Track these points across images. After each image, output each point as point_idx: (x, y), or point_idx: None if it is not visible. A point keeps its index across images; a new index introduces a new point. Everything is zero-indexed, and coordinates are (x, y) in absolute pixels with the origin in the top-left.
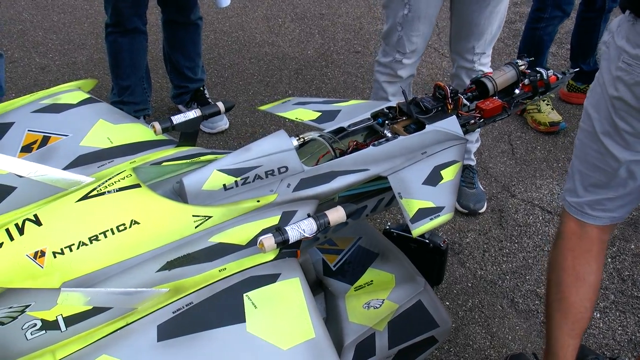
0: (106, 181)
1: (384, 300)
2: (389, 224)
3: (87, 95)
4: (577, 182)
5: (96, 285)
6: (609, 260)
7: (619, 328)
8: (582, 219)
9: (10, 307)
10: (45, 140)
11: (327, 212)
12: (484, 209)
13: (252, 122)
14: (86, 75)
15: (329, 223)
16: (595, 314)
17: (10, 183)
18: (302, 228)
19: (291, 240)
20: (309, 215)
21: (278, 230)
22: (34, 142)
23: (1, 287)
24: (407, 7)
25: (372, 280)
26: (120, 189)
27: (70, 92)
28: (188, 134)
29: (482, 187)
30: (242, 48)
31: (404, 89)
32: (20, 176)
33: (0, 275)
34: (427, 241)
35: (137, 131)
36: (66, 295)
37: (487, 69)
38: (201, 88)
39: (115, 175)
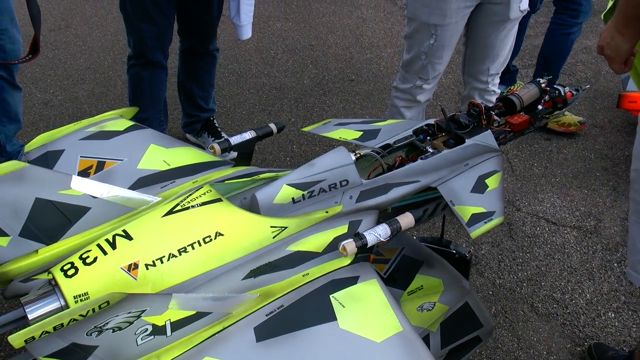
0: (188, 197)
1: (435, 303)
2: (414, 237)
3: (132, 122)
4: None
5: None
6: (615, 265)
7: (633, 326)
8: None
9: (129, 312)
10: (100, 165)
11: (398, 218)
12: None
13: (261, 150)
14: (90, 109)
15: (400, 228)
16: (610, 314)
17: (84, 204)
18: (378, 233)
19: (369, 244)
20: (380, 222)
21: (357, 235)
22: (90, 167)
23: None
24: (433, 37)
25: (422, 285)
26: (204, 203)
27: (115, 120)
28: (244, 154)
29: None
30: (239, 79)
31: (443, 108)
32: (94, 197)
33: (98, 287)
34: (453, 252)
35: (191, 154)
36: (176, 300)
37: (497, 89)
38: (211, 118)
39: (195, 191)
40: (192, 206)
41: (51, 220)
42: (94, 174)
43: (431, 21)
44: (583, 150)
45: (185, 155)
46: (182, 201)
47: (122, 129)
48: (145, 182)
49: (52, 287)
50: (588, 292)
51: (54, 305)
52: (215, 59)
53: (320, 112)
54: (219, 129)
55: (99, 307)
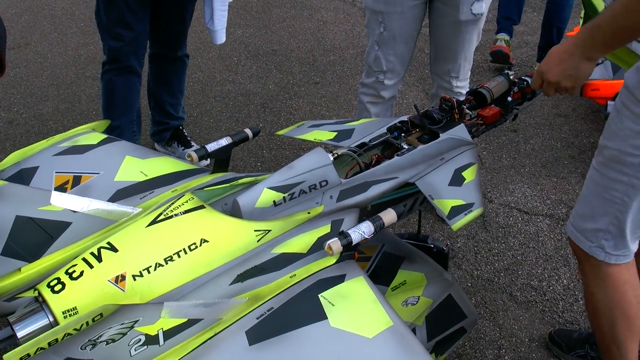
0: (170, 205)
1: (419, 297)
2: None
3: (105, 136)
4: (629, 234)
5: None
6: None
7: None
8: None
9: (122, 324)
10: (77, 179)
11: (381, 215)
12: None
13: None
14: (56, 126)
15: (383, 224)
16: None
17: (65, 219)
18: (362, 230)
19: (354, 242)
20: (364, 219)
21: (341, 234)
22: (66, 183)
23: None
24: (382, 25)
25: (405, 281)
26: (187, 211)
27: (88, 134)
28: (221, 161)
29: None
30: (204, 88)
31: (416, 105)
32: (75, 211)
33: (87, 301)
34: (431, 246)
35: (167, 163)
36: (168, 308)
37: (465, 90)
38: (180, 127)
39: (177, 200)
40: (176, 214)
41: (33, 237)
42: (71, 189)
43: (377, 8)
44: (549, 139)
45: (162, 165)
46: (164, 210)
47: (95, 142)
48: (124, 194)
49: (40, 304)
50: (564, 278)
51: (43, 322)
52: (185, 65)
53: (287, 116)
54: (189, 138)
55: (93, 320)
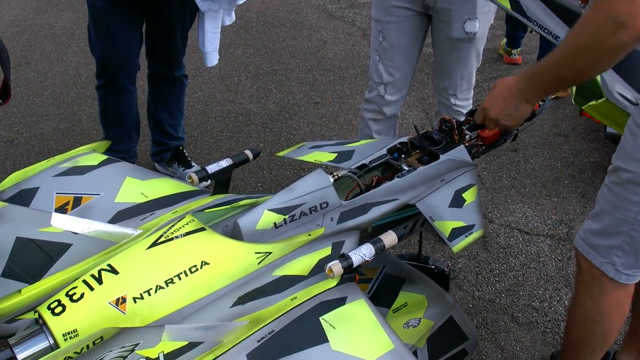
0: (171, 227)
1: (420, 318)
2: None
3: (106, 156)
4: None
5: None
6: None
7: None
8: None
9: (123, 347)
10: (77, 200)
11: (381, 237)
12: None
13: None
14: (56, 146)
15: (384, 246)
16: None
17: (65, 240)
18: (362, 253)
19: (355, 265)
20: (364, 241)
21: (342, 256)
22: (67, 204)
23: (87, 334)
24: (381, 34)
25: (406, 302)
26: (187, 233)
27: (88, 155)
28: (221, 182)
29: None
30: (205, 108)
31: (416, 126)
32: (75, 233)
33: (87, 324)
34: (432, 267)
35: (168, 184)
36: (169, 331)
37: (465, 111)
38: (181, 147)
39: (178, 222)
40: (176, 236)
41: (33, 259)
42: (71, 210)
43: (376, 16)
44: (549, 159)
45: (163, 186)
46: (165, 232)
47: (96, 163)
48: (124, 215)
49: (40, 326)
50: (566, 299)
51: (43, 344)
52: (184, 86)
53: (287, 136)
54: (189, 159)
55: (93, 343)
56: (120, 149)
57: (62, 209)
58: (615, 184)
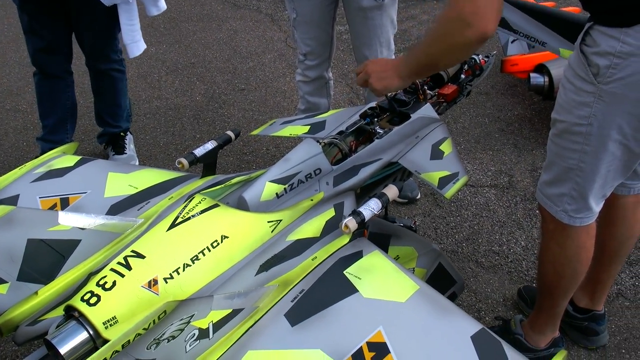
0: (184, 208)
1: (414, 268)
2: None
3: (79, 157)
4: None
5: None
6: (538, 212)
7: None
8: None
9: (181, 319)
10: (65, 201)
11: (384, 191)
12: (419, 195)
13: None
14: None
15: (388, 200)
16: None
17: (74, 237)
18: (371, 207)
19: (366, 219)
20: (371, 197)
21: (354, 212)
22: (54, 206)
23: (126, 319)
24: (294, 11)
25: (397, 256)
26: (203, 211)
27: (60, 157)
28: (209, 164)
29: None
30: (133, 106)
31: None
32: (82, 229)
33: (124, 310)
34: (401, 225)
35: (153, 174)
36: (220, 298)
37: None
38: (121, 134)
39: (189, 202)
40: (193, 215)
41: (46, 259)
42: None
43: None
44: (477, 116)
45: (149, 176)
46: (180, 213)
47: (72, 164)
48: (120, 208)
49: (75, 319)
50: (522, 240)
51: (82, 336)
52: (115, 79)
53: (222, 124)
54: (125, 148)
55: (158, 317)
56: (55, 139)
57: None
58: (555, 135)
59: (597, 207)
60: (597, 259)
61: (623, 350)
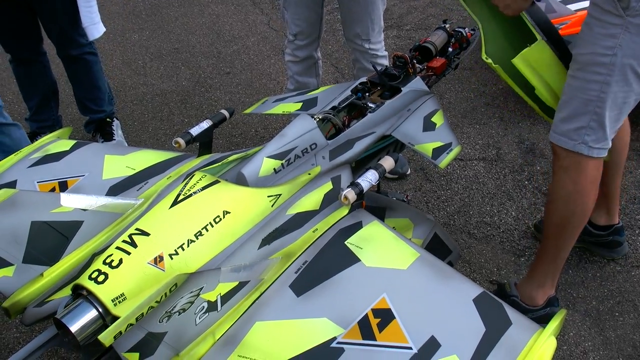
0: (185, 186)
1: (410, 239)
2: None
3: (74, 141)
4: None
5: None
6: (527, 182)
7: None
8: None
9: (191, 292)
10: (63, 185)
11: (381, 162)
12: (409, 171)
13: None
14: None
15: (385, 170)
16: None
17: (77, 218)
18: (369, 178)
19: (365, 190)
20: (368, 169)
21: (352, 184)
22: (53, 190)
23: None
24: None
25: (394, 227)
26: (204, 188)
27: (55, 142)
28: (205, 143)
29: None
30: (119, 93)
31: (374, 64)
32: (84, 210)
33: (132, 286)
34: (393, 199)
35: (150, 155)
36: (226, 271)
37: (382, 52)
38: (108, 119)
39: (190, 179)
40: (194, 192)
41: (50, 241)
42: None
43: None
44: (462, 92)
45: (146, 157)
46: (181, 190)
47: (67, 148)
48: (119, 189)
49: (84, 298)
50: (512, 210)
51: (92, 313)
52: (90, 63)
53: (209, 107)
54: (114, 133)
55: (170, 290)
56: (43, 118)
57: None
58: (577, 69)
59: (611, 137)
60: (604, 176)
61: (616, 314)
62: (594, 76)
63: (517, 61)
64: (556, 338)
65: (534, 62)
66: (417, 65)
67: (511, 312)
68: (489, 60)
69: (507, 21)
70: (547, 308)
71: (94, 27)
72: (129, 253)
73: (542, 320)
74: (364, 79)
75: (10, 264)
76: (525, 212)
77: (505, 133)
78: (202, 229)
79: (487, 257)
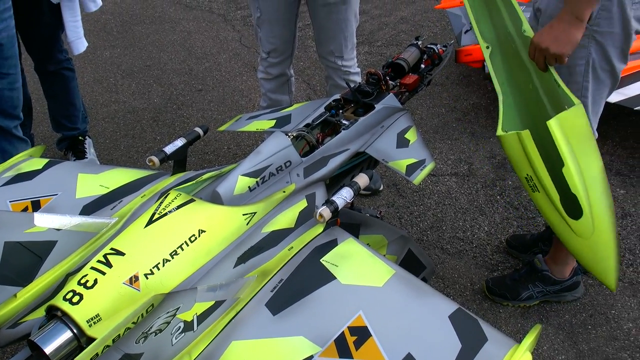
0: (160, 204)
1: (385, 255)
2: None
3: (47, 159)
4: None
5: None
6: (499, 197)
7: None
8: None
9: (168, 312)
10: (36, 204)
11: (356, 179)
12: (382, 187)
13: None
14: None
15: (360, 188)
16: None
17: (51, 238)
18: (344, 196)
19: (340, 207)
20: (343, 186)
21: (327, 202)
22: (25, 209)
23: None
24: (258, 10)
25: (368, 244)
26: (179, 206)
27: (28, 161)
28: (179, 161)
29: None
30: (90, 111)
31: (347, 82)
32: (58, 230)
33: (107, 307)
34: (367, 215)
35: (124, 173)
36: (202, 290)
37: (355, 69)
38: (80, 137)
39: (165, 199)
40: (170, 211)
41: (23, 261)
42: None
43: None
44: (433, 107)
45: (119, 175)
46: (156, 209)
47: (40, 167)
48: (92, 208)
49: (58, 319)
50: (485, 225)
51: (66, 335)
52: (66, 78)
53: (181, 125)
54: (86, 152)
55: (146, 311)
56: None
57: None
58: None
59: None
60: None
61: (589, 327)
62: (574, 85)
63: (553, 123)
64: (531, 353)
65: (568, 128)
66: (390, 82)
67: (487, 328)
68: (506, 133)
69: (530, 94)
70: (574, 277)
71: (79, 41)
72: (104, 273)
73: (571, 289)
74: (337, 96)
75: None
76: (498, 227)
77: (476, 148)
78: (177, 248)
79: (461, 272)
